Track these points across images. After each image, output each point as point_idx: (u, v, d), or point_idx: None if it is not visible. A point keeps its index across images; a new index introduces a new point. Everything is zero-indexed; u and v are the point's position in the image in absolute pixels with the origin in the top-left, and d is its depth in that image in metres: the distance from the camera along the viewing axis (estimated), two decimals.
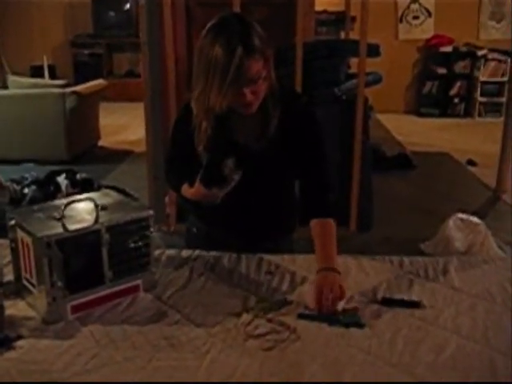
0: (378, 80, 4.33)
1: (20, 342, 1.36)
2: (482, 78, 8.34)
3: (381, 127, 7.69)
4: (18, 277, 1.56)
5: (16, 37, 9.46)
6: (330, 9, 7.60)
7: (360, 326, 1.42)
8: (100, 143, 6.78)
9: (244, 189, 1.63)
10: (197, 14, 4.42)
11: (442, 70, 8.52)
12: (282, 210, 1.90)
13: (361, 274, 1.72)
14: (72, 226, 1.45)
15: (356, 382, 1.23)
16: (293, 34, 3.86)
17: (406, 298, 1.57)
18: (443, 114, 8.59)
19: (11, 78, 6.31)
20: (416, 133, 7.59)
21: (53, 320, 1.44)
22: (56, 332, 1.41)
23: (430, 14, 8.48)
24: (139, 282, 1.58)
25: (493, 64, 8.33)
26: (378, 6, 6.99)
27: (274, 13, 4.13)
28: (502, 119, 5.80)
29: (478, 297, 1.58)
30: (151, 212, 1.58)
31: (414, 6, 8.49)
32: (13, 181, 4.73)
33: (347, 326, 1.42)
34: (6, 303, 1.50)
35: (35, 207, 1.59)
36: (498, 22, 8.47)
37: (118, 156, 6.39)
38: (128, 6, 9.57)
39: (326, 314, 1.46)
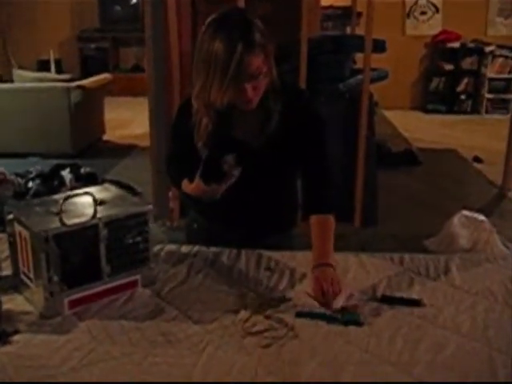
0: (383, 76, 4.30)
1: (17, 337, 1.35)
2: (490, 75, 8.29)
3: (387, 123, 7.66)
4: (16, 271, 1.56)
5: (23, 31, 9.46)
6: (337, 4, 7.57)
7: (359, 324, 1.41)
8: (105, 137, 6.79)
9: (244, 185, 1.62)
10: (202, 8, 4.40)
11: (449, 66, 8.47)
12: (281, 206, 1.89)
13: (361, 271, 1.71)
14: (70, 221, 1.44)
15: (354, 382, 1.22)
16: (298, 29, 3.84)
17: (405, 296, 1.55)
18: (450, 110, 8.54)
19: (16, 72, 6.32)
20: (422, 129, 7.55)
21: (50, 315, 1.43)
22: (53, 327, 1.40)
23: (437, 10, 8.43)
24: (137, 277, 1.57)
25: (500, 60, 8.28)
26: (385, 1, 6.98)
27: (279, 7, 4.10)
28: (509, 116, 5.76)
29: (479, 295, 1.56)
30: (150, 207, 1.57)
31: (422, 2, 8.43)
32: (17, 174, 4.74)
33: (346, 323, 1.41)
34: (4, 298, 1.50)
35: (34, 201, 1.59)
36: (506, 18, 8.41)
37: (123, 150, 6.39)
38: (134, 0, 9.55)
39: (328, 310, 1.45)
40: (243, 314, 1.45)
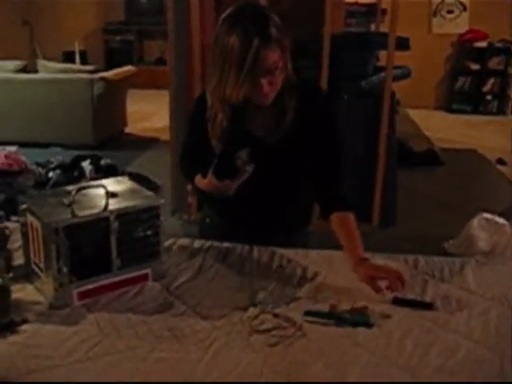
0: (406, 74, 4.25)
1: (25, 327, 1.36)
2: None
3: (410, 122, 7.58)
4: (27, 261, 1.56)
5: (49, 23, 9.56)
6: (361, 0, 7.50)
7: (368, 325, 1.39)
8: (127, 130, 6.83)
9: (257, 181, 1.60)
10: (225, 1, 4.40)
11: (475, 66, 8.36)
12: (295, 204, 1.87)
13: None
14: (82, 213, 1.45)
15: (358, 382, 1.20)
16: (321, 25, 3.81)
17: (418, 298, 1.53)
18: (475, 110, 8.43)
19: (41, 63, 6.38)
20: (446, 129, 7.46)
21: (59, 305, 1.43)
22: (61, 318, 1.40)
23: (465, 8, 8.31)
24: (148, 271, 1.57)
25: None
26: None
27: (303, 2, 4.08)
28: None
29: (493, 300, 1.52)
30: (162, 201, 1.57)
31: (449, 0, 8.32)
32: (38, 164, 4.80)
33: (355, 325, 1.39)
34: (15, 287, 1.51)
35: (48, 192, 1.59)
36: None
37: (144, 143, 6.42)
38: None
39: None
40: (252, 311, 1.44)
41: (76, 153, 5.14)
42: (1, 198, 3.82)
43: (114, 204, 1.50)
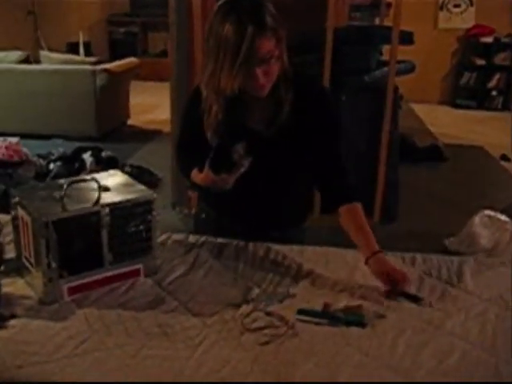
0: (410, 69, 4.21)
1: (13, 322, 1.34)
2: None
3: (414, 117, 7.53)
4: (19, 255, 1.54)
5: (53, 13, 9.50)
6: None
7: (362, 325, 1.36)
8: (129, 122, 6.80)
9: (254, 175, 1.58)
10: None
11: (481, 61, 8.29)
12: (292, 198, 1.84)
13: None
14: (73, 207, 1.42)
15: (349, 382, 1.18)
16: (325, 19, 3.77)
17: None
18: (480, 106, 8.37)
19: (43, 54, 6.35)
20: (450, 124, 7.41)
21: (49, 301, 1.42)
22: (50, 313, 1.38)
23: (471, 3, 8.23)
24: (140, 266, 1.55)
25: None
26: None
27: None
28: None
29: (491, 301, 1.50)
30: (155, 195, 1.54)
31: None
32: (39, 156, 4.78)
33: (348, 324, 1.36)
34: (6, 281, 1.50)
35: (40, 185, 1.57)
36: None
37: (147, 135, 6.39)
38: None
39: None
40: (244, 308, 1.42)
41: (78, 144, 5.12)
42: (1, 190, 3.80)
43: (106, 198, 1.48)
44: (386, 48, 4.33)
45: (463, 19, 8.31)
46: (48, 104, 5.83)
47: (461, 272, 1.66)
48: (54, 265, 1.38)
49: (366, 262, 1.60)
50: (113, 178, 1.63)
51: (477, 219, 3.56)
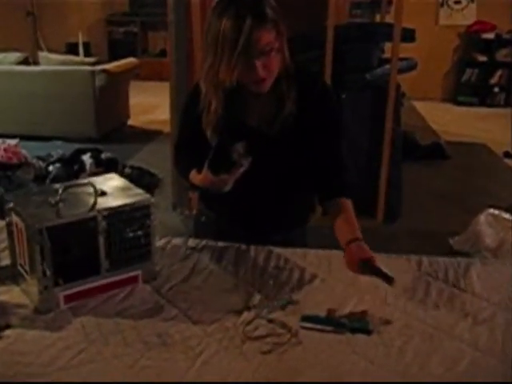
0: (412, 66, 4.16)
1: (8, 332, 1.30)
2: None
3: (416, 115, 7.49)
4: (14, 262, 1.50)
5: (53, 14, 9.48)
6: None
7: (367, 332, 1.32)
8: (129, 122, 6.77)
9: (255, 176, 1.54)
10: None
11: (482, 58, 8.24)
12: (294, 199, 1.80)
13: None
14: (68, 212, 1.38)
15: None
16: (325, 17, 3.73)
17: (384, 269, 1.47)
18: (482, 103, 8.32)
19: (42, 55, 6.32)
20: (452, 122, 7.36)
21: (45, 309, 1.37)
22: (46, 322, 1.34)
23: None
24: (138, 272, 1.51)
25: None
26: None
27: None
28: None
29: (499, 306, 1.45)
30: (153, 199, 1.50)
31: None
32: (38, 158, 4.75)
33: (353, 331, 1.32)
34: (1, 288, 1.47)
35: (34, 190, 1.53)
36: None
37: (147, 136, 6.36)
38: None
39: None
40: (246, 315, 1.38)
41: (77, 146, 5.09)
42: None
43: (102, 203, 1.44)
44: (387, 45, 4.28)
45: (464, 15, 8.26)
46: (47, 105, 5.79)
47: (468, 274, 1.62)
48: (49, 272, 1.34)
49: (347, 245, 1.54)
50: (110, 182, 1.59)
51: (482, 218, 3.52)
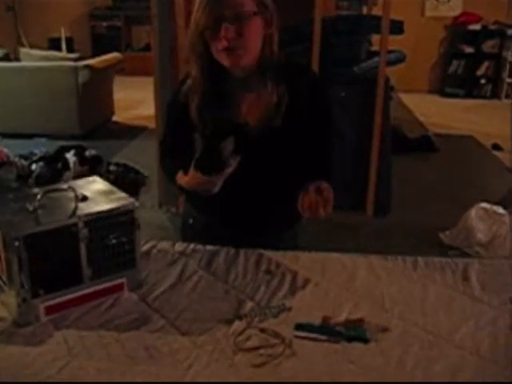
0: (401, 59, 4.11)
1: None
2: (511, 59, 8.00)
3: (403, 107, 7.44)
4: None
5: (34, 8, 9.31)
6: None
7: (364, 340, 1.26)
8: (114, 118, 6.66)
9: (244, 175, 1.48)
10: None
11: (469, 49, 8.21)
12: (284, 199, 1.73)
13: (370, 277, 1.55)
14: (47, 219, 1.31)
15: None
16: (312, 9, 3.66)
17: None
18: (469, 94, 8.30)
19: (23, 51, 6.19)
20: (440, 114, 7.33)
21: (24, 322, 1.30)
22: (26, 337, 1.26)
23: None
24: (123, 280, 1.43)
25: None
26: None
27: None
28: None
29: (501, 309, 1.40)
30: (137, 204, 1.42)
31: None
32: (21, 156, 4.64)
33: (350, 339, 1.26)
34: None
35: (10, 196, 1.45)
36: None
37: (132, 132, 6.26)
38: None
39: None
40: (237, 325, 1.31)
41: (61, 143, 4.98)
42: None
43: (83, 208, 1.36)
44: (375, 38, 4.22)
45: (450, 7, 8.21)
46: (29, 102, 5.66)
47: (466, 276, 1.56)
48: (27, 284, 1.26)
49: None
50: (92, 186, 1.51)
51: (472, 212, 3.48)
